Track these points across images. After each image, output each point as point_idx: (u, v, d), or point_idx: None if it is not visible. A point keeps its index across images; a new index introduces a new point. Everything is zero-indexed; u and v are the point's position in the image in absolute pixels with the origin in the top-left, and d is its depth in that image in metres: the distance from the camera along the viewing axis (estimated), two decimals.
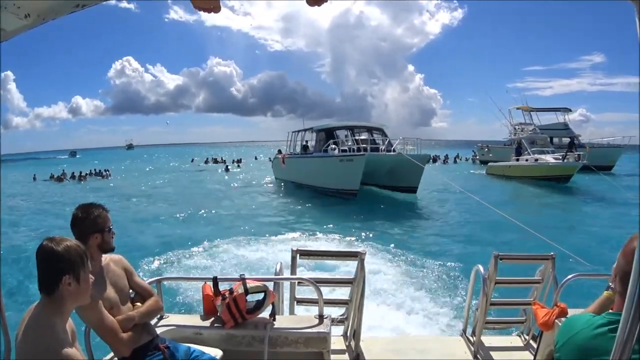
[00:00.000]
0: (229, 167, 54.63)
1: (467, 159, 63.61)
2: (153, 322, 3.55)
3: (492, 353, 4.42)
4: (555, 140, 41.31)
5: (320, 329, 3.67)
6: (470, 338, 4.65)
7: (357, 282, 4.21)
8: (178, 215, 21.18)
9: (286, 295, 4.55)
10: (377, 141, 27.54)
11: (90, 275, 2.30)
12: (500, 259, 4.34)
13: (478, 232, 16.53)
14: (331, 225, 17.56)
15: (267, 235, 15.73)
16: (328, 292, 5.17)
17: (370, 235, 15.72)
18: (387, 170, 25.37)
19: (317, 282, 4.04)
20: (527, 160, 35.31)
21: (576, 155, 31.77)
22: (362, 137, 26.88)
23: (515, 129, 45.21)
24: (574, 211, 22.71)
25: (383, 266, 11.41)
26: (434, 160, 58.19)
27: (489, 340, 4.62)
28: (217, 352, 3.41)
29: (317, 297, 3.93)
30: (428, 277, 10.64)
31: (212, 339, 3.64)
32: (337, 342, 4.45)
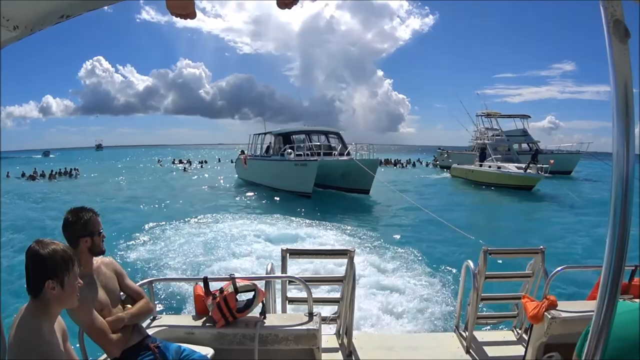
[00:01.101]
0: (186, 167, 57.46)
1: (427, 164, 64.95)
2: (145, 323, 3.57)
3: (484, 348, 4.46)
4: (515, 146, 42.08)
5: (310, 325, 3.69)
6: (463, 333, 4.68)
7: (347, 280, 4.24)
8: (142, 207, 23.33)
9: (278, 294, 4.56)
10: (332, 145, 29.60)
11: (79, 280, 2.32)
12: (490, 254, 4.38)
13: (420, 225, 18.29)
14: (286, 214, 18.98)
15: (228, 219, 18.47)
16: (322, 291, 5.18)
17: (327, 223, 17.40)
18: (340, 174, 26.80)
19: (308, 281, 4.07)
20: (490, 166, 35.77)
21: (539, 167, 31.96)
22: (317, 144, 28.71)
23: (479, 134, 46.29)
24: (517, 214, 23.77)
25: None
26: (395, 164, 61.45)
27: (481, 335, 4.68)
28: (208, 351, 3.43)
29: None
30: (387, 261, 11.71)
31: (204, 338, 3.64)
32: (329, 340, 4.48)
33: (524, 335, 4.53)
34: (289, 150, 27.70)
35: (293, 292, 4.58)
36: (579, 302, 4.22)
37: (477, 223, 19.11)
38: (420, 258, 11.94)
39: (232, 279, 3.78)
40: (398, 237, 15.65)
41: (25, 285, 2.22)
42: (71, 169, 46.99)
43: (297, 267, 8.04)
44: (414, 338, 5.12)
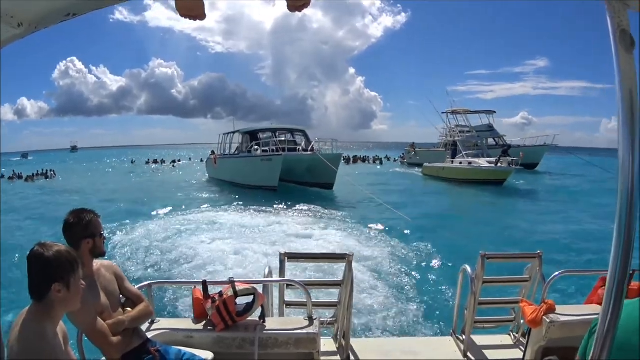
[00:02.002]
0: (158, 167, 59.00)
1: (395, 160, 65.96)
2: (144, 326, 3.53)
3: (482, 352, 4.49)
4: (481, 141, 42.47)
5: (310, 330, 3.68)
6: (460, 338, 4.70)
7: (345, 284, 4.25)
8: (120, 205, 23.49)
9: (276, 299, 4.53)
10: (297, 142, 30.99)
11: (82, 282, 2.29)
12: (488, 259, 4.44)
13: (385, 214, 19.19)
14: (254, 206, 21.20)
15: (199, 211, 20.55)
16: (318, 294, 5.19)
17: (289, 213, 19.74)
18: (305, 168, 27.88)
19: (306, 285, 4.07)
20: (461, 162, 36.13)
21: (510, 160, 32.80)
22: (282, 139, 29.99)
23: (449, 131, 46.97)
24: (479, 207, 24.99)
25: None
26: (363, 161, 62.94)
27: (478, 339, 4.69)
28: (208, 355, 3.40)
29: (305, 300, 3.96)
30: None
31: (203, 342, 3.60)
32: (327, 344, 4.46)
33: (521, 339, 4.57)
34: (256, 147, 29.15)
35: (290, 296, 4.55)
36: (577, 306, 4.28)
37: (445, 219, 19.64)
38: (407, 258, 12.25)
39: (231, 282, 3.76)
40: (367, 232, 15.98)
41: (29, 289, 2.17)
42: (46, 171, 47.52)
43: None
44: (411, 342, 5.08)
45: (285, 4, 1.46)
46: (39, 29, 1.58)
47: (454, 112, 47.42)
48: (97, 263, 3.05)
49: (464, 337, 4.58)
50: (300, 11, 1.50)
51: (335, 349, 4.45)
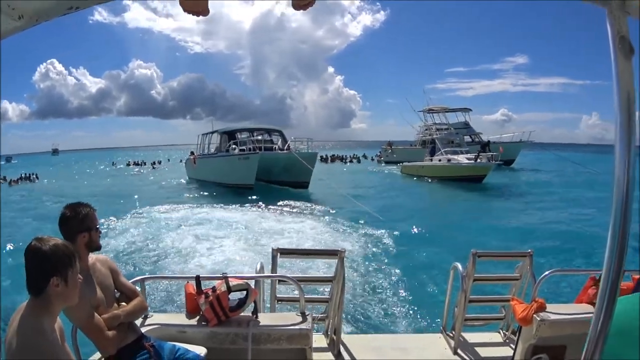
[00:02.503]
0: (139, 170, 59.43)
1: (372, 159, 66.34)
2: (138, 321, 3.50)
3: (472, 349, 4.52)
4: (455, 139, 42.78)
5: (303, 325, 3.70)
6: (450, 334, 4.74)
7: (337, 280, 4.27)
8: (103, 205, 22.77)
9: (268, 294, 4.55)
10: (274, 141, 31.66)
11: (79, 276, 2.29)
12: (479, 257, 4.47)
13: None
14: (231, 204, 22.01)
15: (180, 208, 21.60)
16: (308, 290, 5.20)
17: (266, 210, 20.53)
18: (281, 167, 28.28)
19: (298, 281, 4.09)
20: (440, 160, 35.97)
21: (489, 156, 32.88)
22: (259, 138, 30.73)
23: (426, 129, 47.37)
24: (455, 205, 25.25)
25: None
26: (341, 160, 63.16)
27: (469, 336, 4.72)
28: (201, 350, 3.40)
29: (297, 295, 3.99)
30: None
31: (197, 337, 3.60)
32: (318, 339, 4.47)
33: (511, 337, 4.61)
34: (233, 146, 29.92)
35: (281, 291, 4.55)
36: (567, 305, 4.33)
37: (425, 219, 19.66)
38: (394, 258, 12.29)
39: (224, 277, 3.76)
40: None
41: (26, 284, 2.15)
42: (29, 174, 47.21)
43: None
44: (401, 339, 5.17)
45: (289, 2, 1.46)
46: (40, 21, 1.55)
47: (429, 111, 48.04)
48: (92, 257, 3.04)
49: (454, 334, 4.61)
50: (305, 9, 1.48)
51: (327, 345, 4.48)
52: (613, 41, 1.27)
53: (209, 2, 1.41)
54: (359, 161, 64.26)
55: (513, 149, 43.86)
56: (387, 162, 56.26)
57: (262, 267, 4.38)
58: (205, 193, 28.21)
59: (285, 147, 29.72)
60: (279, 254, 4.37)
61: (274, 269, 4.34)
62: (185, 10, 1.42)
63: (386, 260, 11.81)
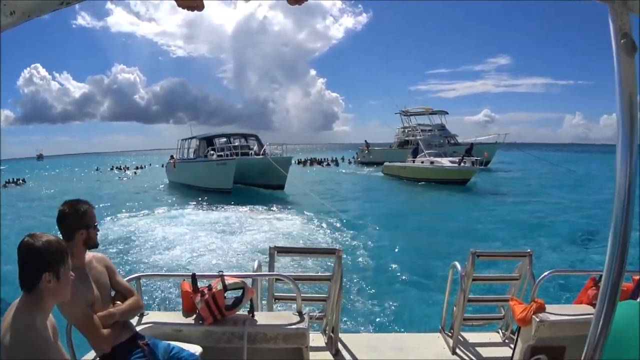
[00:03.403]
0: (123, 174, 59.93)
1: (349, 161, 67.01)
2: (134, 319, 3.49)
3: (470, 349, 4.51)
4: (431, 142, 42.61)
5: (300, 325, 3.66)
6: (449, 334, 4.72)
7: (334, 279, 4.24)
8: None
9: (265, 293, 4.54)
10: (251, 146, 32.31)
11: (71, 272, 2.28)
12: (478, 256, 4.44)
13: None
14: (210, 205, 23.71)
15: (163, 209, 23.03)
16: (307, 288, 5.18)
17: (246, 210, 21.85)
18: (257, 171, 29.48)
19: (296, 279, 4.07)
20: (422, 162, 35.76)
21: (473, 160, 32.59)
22: (236, 144, 31.72)
23: (407, 130, 47.71)
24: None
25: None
26: (319, 163, 63.79)
27: (467, 336, 4.71)
28: (196, 349, 3.38)
29: (294, 294, 3.95)
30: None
31: (192, 336, 3.58)
32: (316, 338, 4.46)
33: (511, 336, 4.59)
34: (211, 152, 30.95)
35: (279, 290, 4.51)
36: (567, 305, 4.33)
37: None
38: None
39: (220, 276, 3.74)
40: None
41: (19, 281, 2.15)
42: (17, 179, 48.27)
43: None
44: (399, 338, 5.09)
45: (274, 4, 1.42)
46: (32, 17, 1.49)
47: (406, 113, 48.55)
48: (89, 255, 3.04)
49: (452, 333, 4.59)
50: (300, 4, 1.41)
51: (324, 344, 4.45)
52: (615, 39, 1.25)
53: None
54: (336, 164, 64.81)
55: (489, 150, 44.25)
56: (363, 164, 57.12)
57: (259, 266, 4.37)
58: (185, 196, 29.14)
59: (261, 152, 30.79)
60: (276, 252, 4.34)
61: (271, 268, 4.32)
62: (179, 5, 1.38)
63: (379, 260, 12.05)
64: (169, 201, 27.65)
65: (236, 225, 17.72)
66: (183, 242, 14.62)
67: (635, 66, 1.25)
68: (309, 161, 65.16)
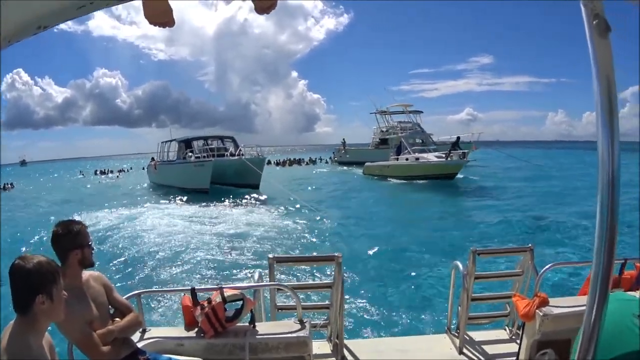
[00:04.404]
0: (105, 178, 61.83)
1: (326, 161, 68.01)
2: (135, 336, 3.46)
3: (477, 348, 4.49)
4: (410, 140, 42.05)
5: (301, 333, 3.63)
6: (455, 334, 4.69)
7: (335, 286, 4.22)
8: (76, 210, 24.46)
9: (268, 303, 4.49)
10: (227, 148, 33.80)
11: (64, 292, 2.29)
12: (479, 254, 4.41)
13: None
14: (190, 203, 25.62)
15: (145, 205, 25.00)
16: (314, 297, 5.15)
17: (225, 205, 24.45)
18: (233, 172, 30.72)
19: (296, 288, 4.05)
20: (407, 159, 35.20)
21: (460, 154, 31.89)
22: (212, 147, 33.24)
23: (382, 131, 47.91)
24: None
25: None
26: (298, 163, 65.78)
27: (474, 335, 4.69)
28: None
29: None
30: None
31: (194, 349, 3.55)
32: (321, 346, 4.44)
33: (517, 332, 4.54)
34: (189, 154, 32.89)
35: (281, 300, 4.47)
36: (570, 298, 4.25)
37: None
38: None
39: (219, 288, 3.71)
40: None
41: (13, 304, 2.17)
42: (4, 184, 48.34)
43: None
44: (405, 341, 5.03)
45: (252, 6, 1.44)
46: (12, 42, 1.55)
47: (381, 113, 48.87)
48: (85, 274, 3.03)
49: (458, 333, 4.57)
50: (268, 13, 1.46)
51: (330, 351, 4.42)
52: (588, 21, 1.22)
53: (174, 13, 1.43)
54: (314, 163, 66.48)
55: (464, 148, 44.78)
56: (340, 163, 57.54)
57: (260, 277, 4.36)
58: (165, 196, 30.09)
59: (237, 153, 31.98)
60: (275, 262, 4.32)
61: (271, 278, 4.29)
62: (150, 22, 1.44)
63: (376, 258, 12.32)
64: (151, 199, 29.48)
65: (214, 217, 20.10)
66: (165, 231, 16.47)
67: (610, 47, 1.22)
68: (287, 161, 66.50)
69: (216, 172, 29.26)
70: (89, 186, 47.80)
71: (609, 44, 1.21)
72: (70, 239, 2.90)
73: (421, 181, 31.69)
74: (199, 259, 12.47)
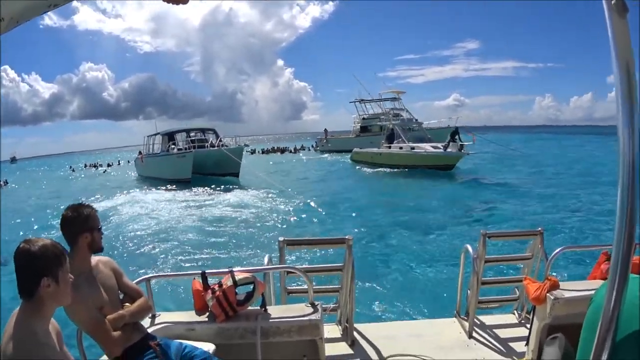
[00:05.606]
0: (93, 172, 62.54)
1: (308, 149, 68.94)
2: (146, 321, 3.47)
3: (487, 331, 4.49)
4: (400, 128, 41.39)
5: (312, 316, 3.61)
6: (465, 318, 4.69)
7: (346, 269, 4.21)
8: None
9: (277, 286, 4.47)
10: (208, 139, 35.40)
11: (70, 275, 2.26)
12: (489, 237, 4.42)
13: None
14: (174, 191, 28.10)
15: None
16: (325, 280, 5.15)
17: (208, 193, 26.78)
18: (213, 162, 32.32)
19: (307, 271, 4.04)
20: (401, 147, 34.55)
21: (459, 145, 30.39)
22: (193, 138, 35.16)
23: (363, 119, 48.22)
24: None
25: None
26: (282, 151, 68.00)
27: (483, 319, 4.70)
28: (210, 347, 3.33)
29: (307, 287, 3.91)
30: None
31: (205, 334, 3.53)
32: (331, 330, 4.44)
33: (527, 316, 4.56)
34: (172, 146, 35.15)
35: (292, 283, 4.50)
36: (580, 282, 4.18)
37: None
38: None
39: (230, 271, 3.67)
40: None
41: (18, 288, 2.13)
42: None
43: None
44: (415, 325, 5.06)
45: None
46: (20, 22, 1.51)
47: (361, 101, 49.90)
48: (94, 259, 3.02)
49: (468, 317, 4.57)
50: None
51: (340, 335, 4.43)
52: (607, 1, 1.19)
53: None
54: (299, 151, 67.29)
55: (442, 134, 44.44)
56: (322, 151, 58.18)
57: (270, 260, 4.31)
58: (152, 186, 31.85)
59: (217, 143, 33.74)
60: (285, 245, 4.30)
61: (281, 261, 4.28)
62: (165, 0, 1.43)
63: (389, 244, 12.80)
64: (140, 188, 31.70)
65: (198, 200, 23.44)
66: (153, 214, 19.36)
67: (628, 27, 1.20)
68: (272, 149, 69.14)
69: (197, 163, 31.13)
70: (79, 179, 49.56)
71: (626, 24, 1.19)
72: (81, 222, 2.88)
73: (417, 170, 30.99)
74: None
